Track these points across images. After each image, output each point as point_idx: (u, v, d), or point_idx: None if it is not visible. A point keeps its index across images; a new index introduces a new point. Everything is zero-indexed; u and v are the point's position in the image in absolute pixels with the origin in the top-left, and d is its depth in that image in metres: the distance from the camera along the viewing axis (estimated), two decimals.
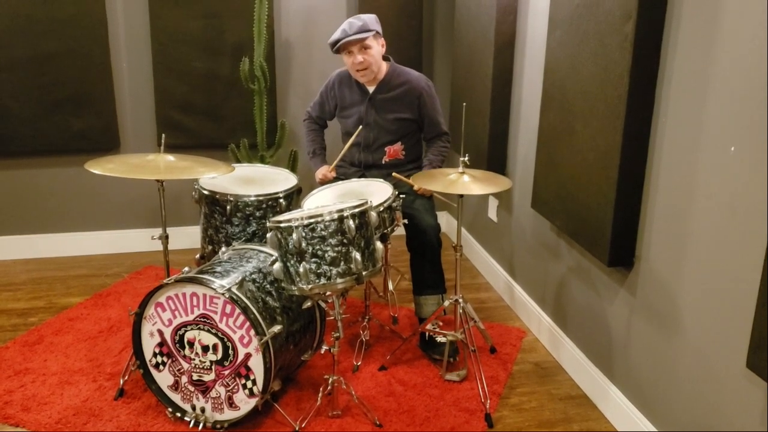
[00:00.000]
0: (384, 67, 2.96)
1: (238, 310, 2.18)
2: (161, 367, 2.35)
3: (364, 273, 2.20)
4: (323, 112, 3.17)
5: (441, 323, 2.71)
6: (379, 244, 2.31)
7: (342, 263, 2.16)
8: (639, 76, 2.07)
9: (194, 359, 2.29)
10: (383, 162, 3.01)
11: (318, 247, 2.14)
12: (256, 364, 2.21)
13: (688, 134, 1.94)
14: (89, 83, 3.75)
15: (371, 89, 2.97)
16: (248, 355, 2.21)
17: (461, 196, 2.52)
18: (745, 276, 1.71)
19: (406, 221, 2.75)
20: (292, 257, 2.16)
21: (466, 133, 2.70)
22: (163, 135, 2.56)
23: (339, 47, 2.80)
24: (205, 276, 2.24)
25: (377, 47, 2.86)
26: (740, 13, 1.71)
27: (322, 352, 2.38)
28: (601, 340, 2.50)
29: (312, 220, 2.13)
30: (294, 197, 2.76)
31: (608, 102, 2.18)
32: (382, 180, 2.84)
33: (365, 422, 2.37)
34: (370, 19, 2.82)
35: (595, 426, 2.42)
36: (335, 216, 2.14)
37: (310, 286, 2.16)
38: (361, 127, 2.90)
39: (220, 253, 2.57)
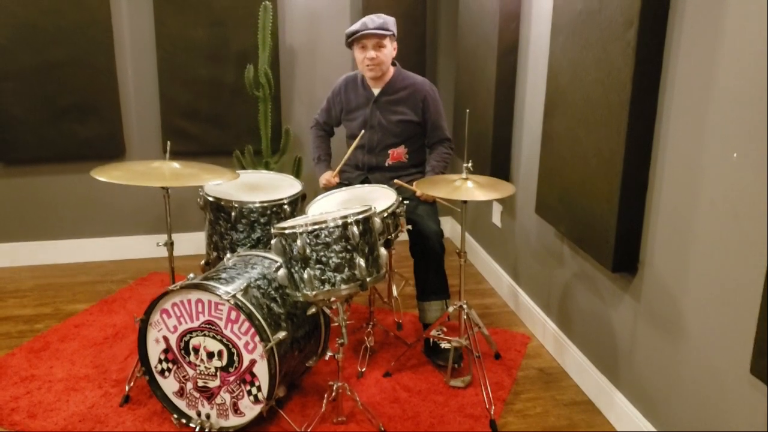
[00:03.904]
0: (390, 70, 2.99)
1: (243, 317, 2.19)
2: (166, 373, 2.36)
3: (368, 279, 2.20)
4: (330, 118, 3.19)
5: (445, 329, 2.71)
6: (383, 250, 2.31)
7: (346, 269, 2.16)
8: (641, 83, 2.07)
9: (199, 366, 2.30)
10: (386, 165, 3.02)
11: (322, 253, 2.14)
12: (261, 371, 2.21)
13: (690, 140, 1.94)
14: (95, 91, 3.77)
15: (376, 92, 2.99)
16: (253, 362, 2.22)
17: (465, 202, 2.52)
18: (749, 281, 1.71)
19: (410, 227, 2.76)
20: (296, 263, 2.17)
21: (470, 138, 2.70)
22: (168, 142, 2.56)
23: (355, 39, 2.85)
24: (210, 282, 2.25)
25: (390, 48, 2.92)
26: (742, 19, 1.72)
27: (327, 358, 2.38)
28: (606, 346, 2.50)
29: (316, 227, 2.13)
30: (298, 203, 2.77)
31: (611, 108, 2.19)
32: (386, 186, 2.85)
33: (370, 428, 2.37)
34: (391, 21, 2.89)
35: None
36: (339, 222, 2.15)
37: (314, 293, 2.16)
38: (363, 131, 2.92)
39: (225, 259, 2.58)
